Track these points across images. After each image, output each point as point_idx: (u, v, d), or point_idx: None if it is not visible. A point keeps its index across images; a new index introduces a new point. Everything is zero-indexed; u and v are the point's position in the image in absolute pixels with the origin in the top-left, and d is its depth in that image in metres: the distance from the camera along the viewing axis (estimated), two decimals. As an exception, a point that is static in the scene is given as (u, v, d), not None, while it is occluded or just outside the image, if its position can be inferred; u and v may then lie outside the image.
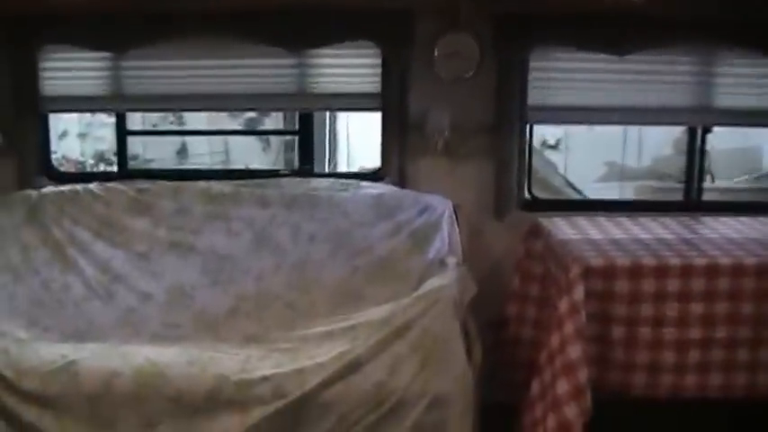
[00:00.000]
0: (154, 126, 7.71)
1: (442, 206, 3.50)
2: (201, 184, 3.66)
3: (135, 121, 6.26)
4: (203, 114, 7.05)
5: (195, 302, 3.37)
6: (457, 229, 3.44)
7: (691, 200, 4.00)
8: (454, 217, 3.49)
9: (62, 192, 3.61)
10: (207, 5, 3.55)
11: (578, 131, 8.71)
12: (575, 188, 7.99)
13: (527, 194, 3.96)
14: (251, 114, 8.00)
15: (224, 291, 3.41)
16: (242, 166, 7.85)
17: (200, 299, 3.38)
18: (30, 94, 3.73)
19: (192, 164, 8.48)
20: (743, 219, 3.57)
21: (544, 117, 3.88)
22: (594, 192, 8.02)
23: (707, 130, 3.93)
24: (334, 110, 6.58)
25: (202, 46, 3.69)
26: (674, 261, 2.87)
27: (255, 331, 3.20)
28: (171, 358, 2.82)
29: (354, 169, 7.08)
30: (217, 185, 3.65)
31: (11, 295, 3.26)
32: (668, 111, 3.80)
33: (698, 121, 3.88)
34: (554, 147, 9.18)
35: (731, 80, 3.76)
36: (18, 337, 3.02)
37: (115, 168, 4.17)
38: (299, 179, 3.76)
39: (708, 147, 4.04)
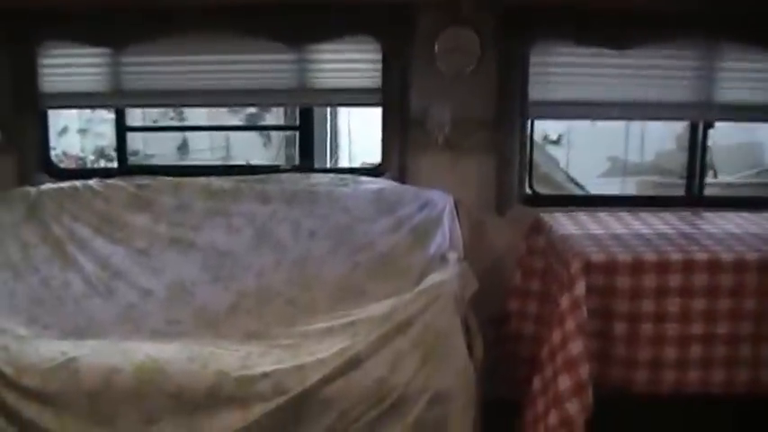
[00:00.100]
0: (154, 122, 7.72)
1: (442, 201, 3.49)
2: (201, 180, 3.66)
3: (135, 116, 6.27)
4: (204, 110, 7.05)
5: (195, 299, 3.37)
6: (458, 225, 3.44)
7: (692, 195, 3.98)
8: (455, 212, 3.48)
9: (62, 188, 3.60)
10: (206, 1, 3.54)
11: (581, 127, 8.71)
12: (577, 183, 7.99)
13: (528, 190, 3.95)
14: (252, 110, 8.01)
15: (224, 287, 3.41)
16: (243, 162, 7.85)
17: (200, 295, 3.38)
18: (29, 91, 3.72)
19: (192, 159, 8.50)
20: (744, 214, 3.56)
21: (545, 112, 3.86)
22: (597, 187, 8.03)
23: (708, 126, 3.92)
24: (334, 105, 6.59)
25: (202, 41, 3.68)
26: (676, 256, 2.86)
27: (256, 328, 3.20)
28: (171, 355, 2.81)
29: (356, 165, 7.08)
30: (217, 181, 3.64)
31: (11, 292, 3.25)
32: (669, 106, 3.78)
33: (699, 116, 3.86)
34: (556, 142, 9.18)
35: (733, 75, 3.74)
36: (18, 334, 3.01)
37: (115, 164, 4.15)
38: (299, 175, 3.75)
39: (710, 142, 4.02)
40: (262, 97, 4.07)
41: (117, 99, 3.86)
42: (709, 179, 4.61)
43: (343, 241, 3.46)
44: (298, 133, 4.12)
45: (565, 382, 2.71)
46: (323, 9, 3.59)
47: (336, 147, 8.35)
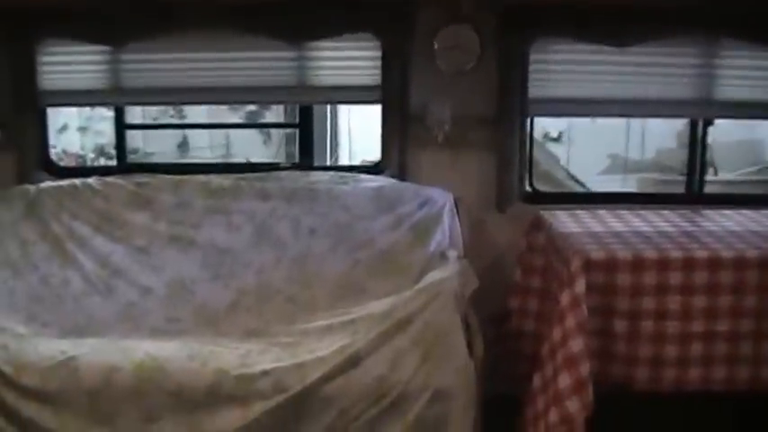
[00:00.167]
0: (154, 119, 7.71)
1: (442, 199, 3.50)
2: (201, 177, 3.65)
3: (135, 114, 6.26)
4: (204, 108, 7.04)
5: (195, 297, 3.36)
6: (458, 222, 3.44)
7: (692, 192, 3.98)
8: (455, 210, 3.48)
9: (61, 186, 3.60)
10: (206, -2, 3.55)
11: (581, 124, 8.71)
12: (578, 181, 7.98)
13: (528, 187, 3.95)
14: (252, 107, 8.00)
15: (224, 285, 3.40)
16: (243, 160, 7.85)
17: (200, 293, 3.37)
18: (28, 89, 3.71)
19: (193, 157, 8.49)
20: (745, 211, 3.55)
21: (545, 109, 3.86)
22: (598, 184, 8.02)
23: (708, 123, 3.91)
24: (334, 103, 6.57)
25: (202, 39, 3.67)
26: (676, 254, 2.85)
27: (256, 325, 3.19)
28: (171, 353, 2.81)
29: (356, 163, 7.07)
30: (216, 179, 3.64)
31: (10, 290, 3.25)
32: (669, 103, 3.78)
33: (699, 113, 3.86)
34: (556, 139, 9.18)
35: (733, 72, 3.74)
36: (17, 332, 3.00)
37: (114, 162, 4.15)
38: (299, 172, 3.74)
39: (710, 139, 4.02)
40: (261, 95, 4.06)
41: (116, 97, 3.86)
42: (709, 176, 4.60)
43: (343, 239, 3.46)
44: (297, 131, 4.11)
45: (565, 380, 2.70)
46: (323, 6, 3.59)
47: (336, 145, 8.35)
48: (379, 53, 3.71)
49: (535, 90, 3.71)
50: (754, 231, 3.20)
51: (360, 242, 3.45)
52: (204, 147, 8.78)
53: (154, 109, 7.61)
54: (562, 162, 8.62)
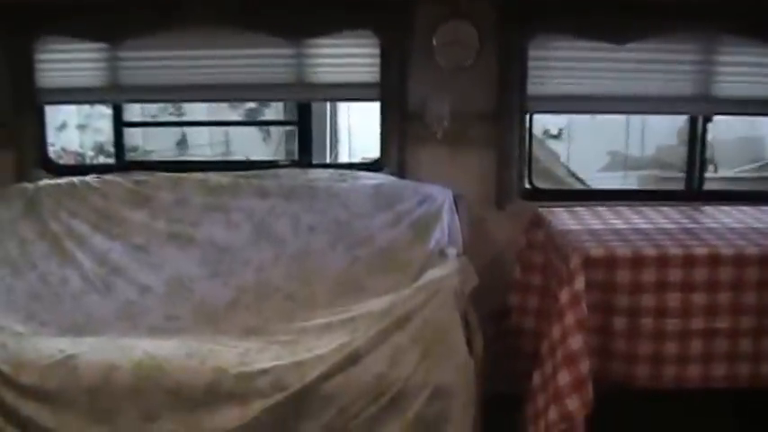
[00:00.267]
0: (153, 117, 7.70)
1: (441, 196, 3.49)
2: (199, 175, 3.64)
3: (134, 112, 6.25)
4: (203, 105, 7.03)
5: (194, 295, 3.36)
6: (457, 219, 3.43)
7: (692, 189, 3.97)
8: (454, 207, 3.48)
9: (59, 184, 3.59)
10: (205, -5, 3.54)
11: (581, 121, 8.71)
12: (578, 178, 7.98)
13: (527, 184, 3.94)
14: (251, 105, 7.99)
15: (223, 283, 3.40)
16: (242, 157, 7.85)
17: (199, 291, 3.37)
18: (26, 87, 3.70)
19: (192, 155, 8.49)
20: (744, 208, 3.55)
21: (544, 106, 3.85)
22: (598, 181, 8.02)
23: (707, 119, 3.90)
24: (333, 100, 6.56)
25: (200, 36, 3.67)
26: (676, 251, 2.85)
27: (255, 323, 3.18)
28: (170, 351, 2.81)
29: (356, 161, 7.07)
30: (215, 177, 3.63)
31: (8, 289, 3.24)
32: (668, 100, 3.77)
33: (698, 110, 3.85)
34: (556, 136, 9.17)
35: (732, 69, 3.73)
36: (16, 331, 3.00)
37: (113, 160, 4.14)
38: (297, 170, 3.74)
39: (710, 136, 4.01)
40: (260, 92, 4.06)
41: (115, 94, 3.85)
42: (709, 173, 4.59)
43: (343, 236, 3.46)
44: (296, 128, 4.10)
45: (564, 378, 2.70)
46: (322, 4, 3.58)
47: (336, 142, 8.35)
48: (377, 50, 3.70)
49: (534, 86, 3.70)
50: (753, 228, 3.19)
51: (359, 240, 3.44)
52: (204, 144, 8.78)
53: (153, 106, 7.60)
54: (562, 159, 8.63)
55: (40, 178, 3.69)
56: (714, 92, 3.74)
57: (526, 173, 3.91)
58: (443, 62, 3.65)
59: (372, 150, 4.06)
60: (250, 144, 8.63)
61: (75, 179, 3.62)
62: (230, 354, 2.82)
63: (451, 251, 3.25)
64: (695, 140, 3.94)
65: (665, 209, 3.55)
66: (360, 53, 3.75)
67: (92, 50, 3.74)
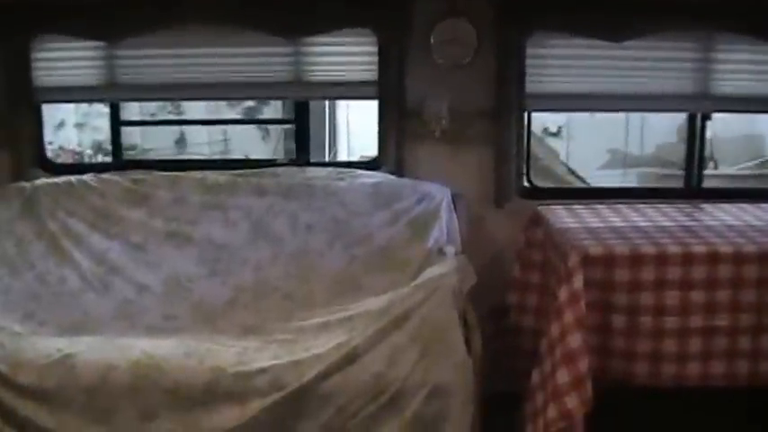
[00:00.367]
0: (152, 116, 7.70)
1: (440, 194, 3.49)
2: (197, 174, 3.63)
3: (133, 110, 6.25)
4: (202, 104, 7.03)
5: (192, 294, 3.35)
6: (456, 218, 3.43)
7: (691, 187, 3.97)
8: (453, 205, 3.47)
9: (57, 183, 3.58)
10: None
11: (580, 119, 8.71)
12: (577, 176, 7.98)
13: (526, 182, 3.93)
14: (250, 103, 7.99)
15: (221, 281, 3.39)
16: (241, 156, 7.85)
17: (197, 290, 3.36)
18: (23, 85, 3.69)
19: (191, 154, 8.49)
20: (743, 206, 3.55)
21: (542, 104, 3.85)
22: (597, 179, 8.02)
23: (706, 117, 3.90)
24: (330, 98, 6.54)
25: (198, 34, 3.66)
26: (675, 249, 2.84)
27: (253, 322, 3.17)
28: (168, 350, 2.80)
29: (355, 159, 7.06)
30: (213, 175, 3.62)
31: (6, 289, 3.23)
32: (667, 97, 3.77)
33: (697, 107, 3.85)
34: (556, 134, 9.17)
35: (731, 66, 3.73)
36: (13, 330, 2.99)
37: (110, 159, 4.13)
38: (295, 168, 3.73)
39: (709, 134, 4.01)
40: (257, 91, 4.06)
41: (112, 93, 3.84)
42: (709, 171, 4.59)
43: (341, 235, 3.45)
44: (294, 127, 4.10)
45: (563, 376, 2.69)
46: (320, 1, 3.57)
47: (335, 141, 8.34)
48: (375, 48, 3.69)
49: (533, 84, 3.69)
50: (752, 225, 3.19)
51: (357, 238, 3.44)
52: (202, 143, 8.78)
53: (152, 105, 7.60)
54: (562, 157, 8.63)
55: (38, 177, 3.67)
56: (713, 89, 3.74)
57: (525, 171, 3.90)
58: (441, 60, 3.64)
59: (371, 148, 4.05)
60: (249, 143, 8.63)
61: (73, 178, 3.61)
62: (228, 353, 2.81)
63: (450, 250, 3.24)
64: (694, 138, 3.94)
65: (663, 207, 3.55)
66: (358, 51, 3.74)
67: (89, 49, 3.73)
